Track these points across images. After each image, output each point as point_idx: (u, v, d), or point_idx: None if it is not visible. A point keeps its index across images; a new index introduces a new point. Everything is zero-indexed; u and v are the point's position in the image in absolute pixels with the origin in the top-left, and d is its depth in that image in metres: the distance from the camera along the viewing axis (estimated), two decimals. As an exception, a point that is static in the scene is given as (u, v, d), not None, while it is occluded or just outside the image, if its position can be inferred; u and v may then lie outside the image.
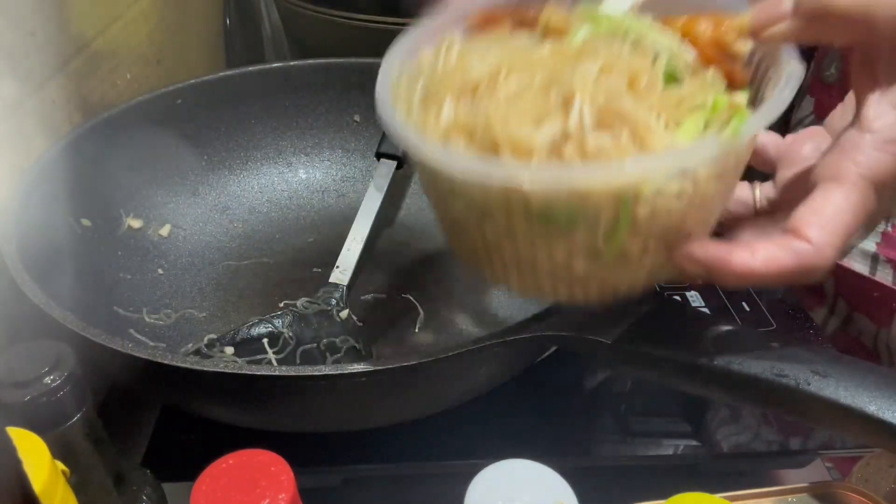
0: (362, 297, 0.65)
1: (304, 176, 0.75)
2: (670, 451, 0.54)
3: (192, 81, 0.68)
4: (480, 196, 0.34)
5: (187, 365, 0.42)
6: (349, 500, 0.55)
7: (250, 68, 0.72)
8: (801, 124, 0.76)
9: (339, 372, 0.42)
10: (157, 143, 0.65)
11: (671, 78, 0.36)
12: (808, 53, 0.74)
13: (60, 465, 0.31)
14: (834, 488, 0.42)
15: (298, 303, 0.58)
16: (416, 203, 0.75)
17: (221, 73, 0.70)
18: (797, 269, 0.34)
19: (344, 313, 0.58)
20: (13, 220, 0.49)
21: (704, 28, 0.38)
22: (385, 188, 0.65)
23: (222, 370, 0.42)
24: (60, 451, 0.33)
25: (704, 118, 0.35)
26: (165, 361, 0.42)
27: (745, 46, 0.38)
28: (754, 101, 0.38)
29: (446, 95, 0.36)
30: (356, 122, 0.75)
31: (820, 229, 0.34)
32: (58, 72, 0.57)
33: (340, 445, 0.54)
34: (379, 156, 0.67)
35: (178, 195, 0.68)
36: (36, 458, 0.29)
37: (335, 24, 0.80)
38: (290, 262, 0.70)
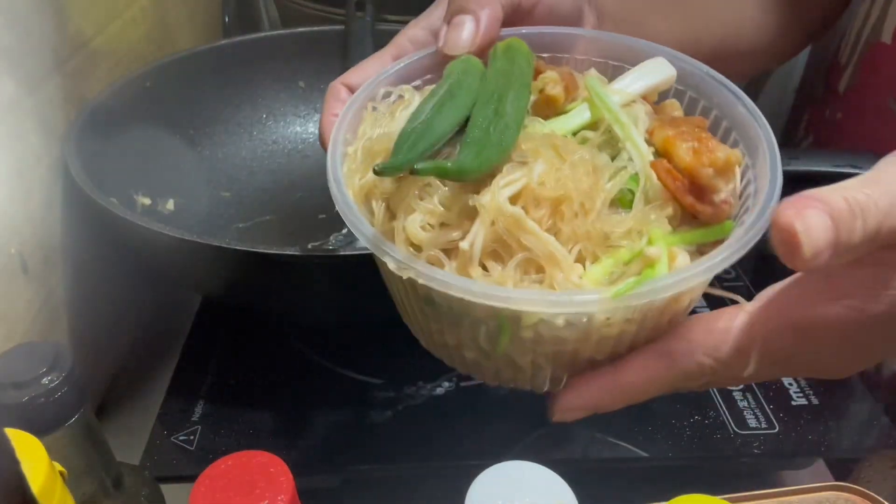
0: None
1: (270, 141, 0.80)
2: (670, 453, 0.54)
3: (155, 64, 0.70)
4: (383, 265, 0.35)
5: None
6: (348, 502, 0.55)
7: (201, 47, 0.75)
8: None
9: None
10: (137, 126, 0.66)
11: (626, 202, 0.35)
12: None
13: (58, 466, 0.31)
14: (836, 490, 0.42)
15: (331, 238, 0.66)
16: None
17: (177, 55, 0.73)
18: (672, 373, 0.36)
19: None
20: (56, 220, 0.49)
21: (684, 151, 0.35)
22: None
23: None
24: (58, 451, 0.33)
25: (627, 258, 0.33)
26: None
27: (721, 187, 0.35)
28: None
29: (378, 157, 0.36)
30: (302, 87, 0.80)
31: (703, 333, 0.35)
32: (56, 71, 0.57)
33: (339, 446, 0.54)
34: None
35: (168, 172, 0.70)
36: (34, 459, 0.29)
37: (335, 21, 0.80)
38: (292, 215, 0.74)
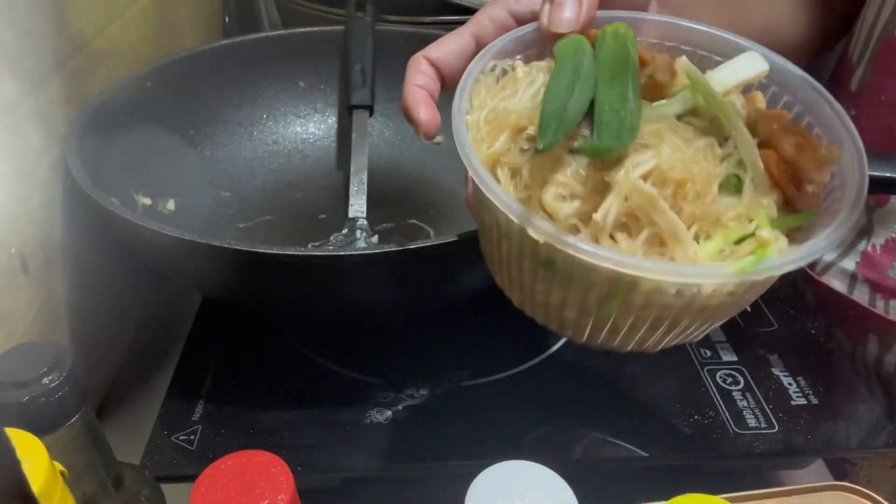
0: (374, 229, 0.69)
1: (270, 141, 0.80)
2: (670, 453, 0.54)
3: (156, 64, 0.70)
4: (504, 220, 0.37)
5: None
6: (348, 501, 0.55)
7: (202, 47, 0.75)
8: None
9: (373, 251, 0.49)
10: (138, 126, 0.67)
11: (731, 186, 0.37)
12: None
13: (59, 466, 0.31)
14: (836, 489, 0.42)
15: (331, 238, 0.67)
16: (384, 140, 0.82)
17: (178, 55, 0.73)
18: None
19: (374, 238, 0.67)
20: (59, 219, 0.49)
21: (789, 145, 0.37)
22: (366, 132, 0.72)
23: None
24: (59, 451, 0.33)
25: (736, 238, 0.36)
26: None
27: (821, 179, 0.38)
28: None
29: (505, 130, 0.39)
30: (302, 87, 0.80)
31: None
32: (56, 71, 0.57)
33: (339, 446, 0.54)
34: (351, 108, 0.73)
35: (169, 172, 0.70)
36: (34, 459, 0.29)
37: (335, 22, 0.80)
38: (293, 216, 0.75)
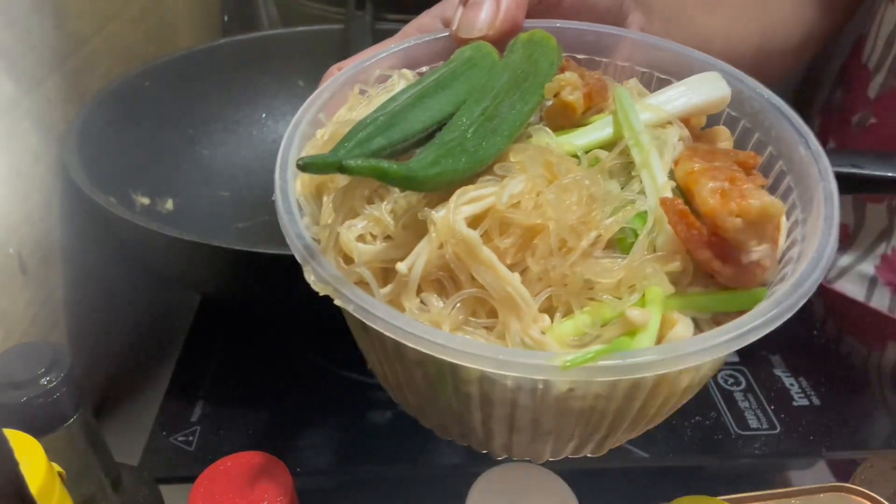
0: None
1: (269, 140, 0.80)
2: (671, 454, 0.54)
3: (154, 63, 0.70)
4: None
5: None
6: (348, 502, 0.55)
7: (200, 46, 0.74)
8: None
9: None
10: (136, 126, 0.66)
11: (624, 244, 0.28)
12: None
13: (57, 467, 0.30)
14: (837, 490, 0.42)
15: None
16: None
17: (176, 54, 0.72)
18: None
19: None
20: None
21: (710, 192, 0.27)
22: None
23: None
24: (57, 452, 0.32)
25: (609, 317, 0.27)
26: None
27: (752, 244, 0.27)
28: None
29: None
30: (301, 87, 0.79)
31: None
32: (54, 70, 0.57)
33: (339, 447, 0.53)
34: None
35: (167, 171, 0.70)
36: (32, 459, 0.28)
37: (334, 21, 0.79)
38: None
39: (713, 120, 0.35)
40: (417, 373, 0.29)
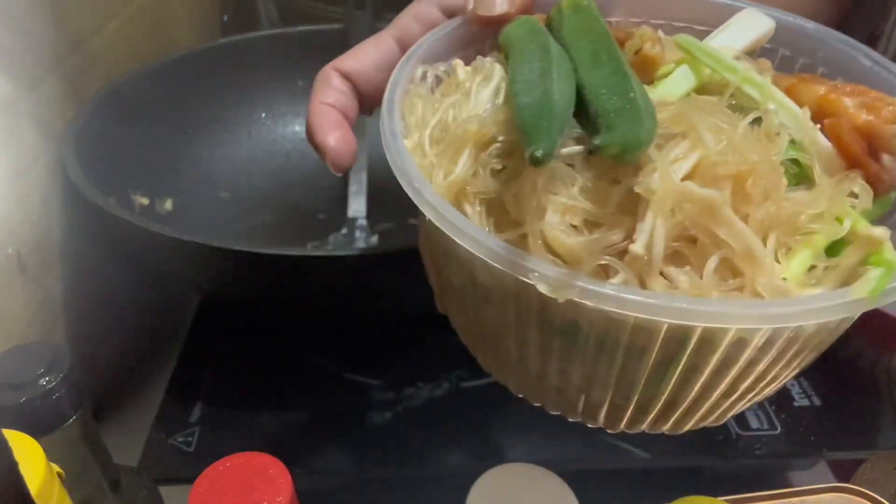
0: (374, 229, 0.69)
1: (268, 141, 0.79)
2: (671, 455, 0.54)
3: (154, 63, 0.70)
4: (486, 276, 0.28)
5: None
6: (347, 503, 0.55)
7: (200, 46, 0.75)
8: None
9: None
10: (135, 126, 0.66)
11: (790, 177, 0.27)
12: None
13: (56, 468, 0.30)
14: (838, 491, 0.42)
15: (330, 238, 0.67)
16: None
17: (175, 54, 0.72)
18: None
19: (374, 238, 0.67)
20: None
21: (857, 107, 0.28)
22: (365, 131, 0.67)
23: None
24: (56, 453, 0.32)
25: (826, 245, 0.27)
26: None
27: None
28: None
29: (464, 148, 0.29)
30: (300, 86, 0.79)
31: None
32: (53, 70, 0.57)
33: (338, 448, 0.53)
34: None
35: (166, 171, 0.70)
36: (31, 460, 0.28)
37: (334, 20, 0.79)
38: (292, 216, 0.74)
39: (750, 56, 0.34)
40: (640, 365, 0.27)
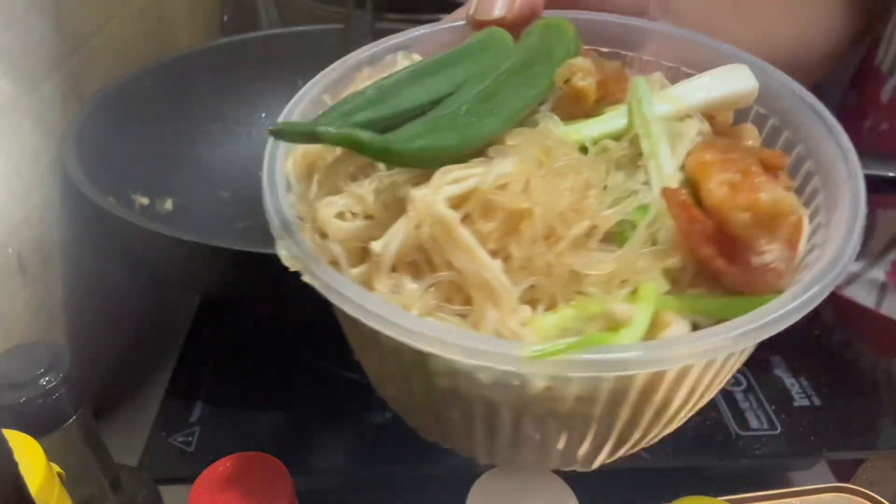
0: None
1: (269, 140, 0.78)
2: (671, 455, 0.54)
3: (154, 63, 0.70)
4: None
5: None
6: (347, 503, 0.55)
7: (200, 46, 0.74)
8: None
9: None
10: (136, 125, 0.66)
11: (623, 239, 0.26)
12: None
13: (56, 468, 0.30)
14: (838, 491, 0.42)
15: None
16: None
17: (176, 54, 0.72)
18: None
19: None
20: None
21: (718, 184, 0.25)
22: None
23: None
24: (56, 453, 0.32)
25: (596, 311, 0.25)
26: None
27: (762, 244, 0.25)
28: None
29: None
30: (300, 86, 0.78)
31: None
32: (54, 70, 0.57)
33: (339, 448, 0.53)
34: None
35: (166, 171, 0.70)
36: (31, 460, 0.28)
37: (334, 20, 0.79)
38: None
39: (740, 117, 0.33)
40: (393, 363, 0.28)
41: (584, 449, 0.29)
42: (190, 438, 0.54)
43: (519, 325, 0.25)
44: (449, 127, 0.26)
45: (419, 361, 0.25)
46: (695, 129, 0.30)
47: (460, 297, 0.26)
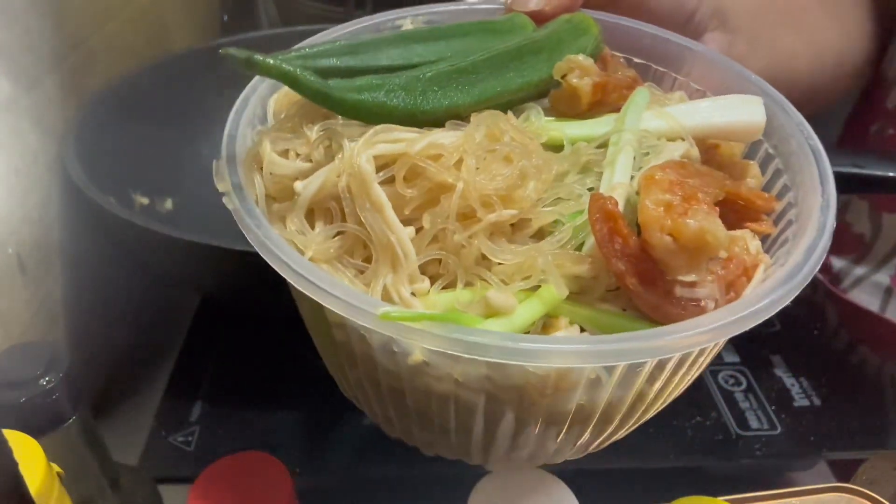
0: None
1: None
2: (672, 455, 0.54)
3: (153, 62, 0.70)
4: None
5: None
6: (347, 503, 0.55)
7: (199, 46, 0.74)
8: None
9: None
10: (135, 125, 0.66)
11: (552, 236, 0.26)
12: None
13: (55, 467, 0.30)
14: (838, 491, 0.42)
15: None
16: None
17: (175, 53, 0.72)
18: None
19: None
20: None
21: (654, 204, 0.23)
22: None
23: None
24: (55, 452, 0.32)
25: (483, 292, 0.25)
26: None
27: (682, 273, 0.24)
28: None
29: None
30: None
31: None
32: (53, 69, 0.57)
33: (338, 448, 0.53)
34: None
35: (166, 171, 0.70)
36: (31, 460, 0.28)
37: (334, 20, 0.79)
38: None
39: (752, 153, 0.32)
40: (306, 312, 0.29)
41: (475, 438, 0.29)
42: (190, 438, 0.54)
43: (409, 293, 0.25)
44: (403, 88, 0.27)
45: (319, 308, 0.25)
46: (680, 151, 0.29)
47: (364, 254, 0.26)
